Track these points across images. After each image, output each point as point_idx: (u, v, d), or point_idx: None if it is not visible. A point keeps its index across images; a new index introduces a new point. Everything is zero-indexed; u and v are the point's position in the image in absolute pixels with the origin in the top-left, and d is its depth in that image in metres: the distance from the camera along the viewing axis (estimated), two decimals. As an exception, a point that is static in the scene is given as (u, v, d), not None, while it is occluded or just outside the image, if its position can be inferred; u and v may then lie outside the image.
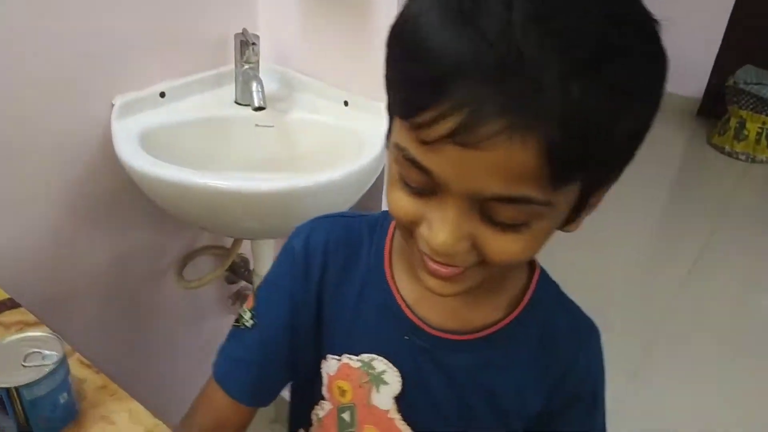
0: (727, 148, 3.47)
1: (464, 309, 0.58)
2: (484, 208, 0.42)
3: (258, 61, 1.14)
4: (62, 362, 0.67)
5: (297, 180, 0.98)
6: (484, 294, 0.57)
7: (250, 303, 0.65)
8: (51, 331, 0.69)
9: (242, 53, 1.12)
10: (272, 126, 1.17)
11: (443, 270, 0.46)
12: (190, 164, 0.96)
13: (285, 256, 0.63)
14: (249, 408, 0.65)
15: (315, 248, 0.61)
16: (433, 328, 0.58)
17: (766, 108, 3.29)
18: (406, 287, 0.59)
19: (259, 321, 0.63)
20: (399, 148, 0.44)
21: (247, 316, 0.64)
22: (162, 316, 1.33)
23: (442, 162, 0.40)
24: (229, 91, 1.19)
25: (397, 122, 0.44)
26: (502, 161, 0.38)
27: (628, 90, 0.38)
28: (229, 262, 1.31)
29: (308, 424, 0.69)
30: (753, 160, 3.43)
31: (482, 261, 0.45)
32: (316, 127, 1.17)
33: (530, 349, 0.59)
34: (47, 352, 0.66)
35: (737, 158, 3.45)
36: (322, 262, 0.61)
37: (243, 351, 0.64)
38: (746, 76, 3.40)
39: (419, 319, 0.58)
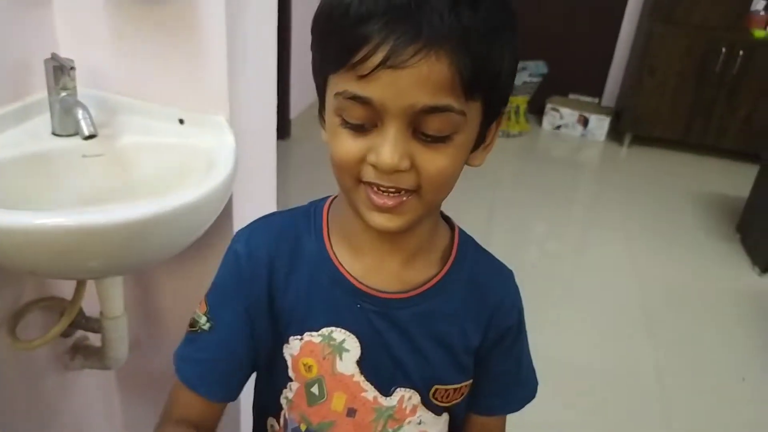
0: (487, 127, 3.97)
1: (403, 271, 0.66)
2: (417, 124, 0.52)
3: (75, 87, 1.04)
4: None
5: (153, 205, 0.92)
6: (417, 254, 0.66)
7: (203, 308, 0.68)
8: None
9: (56, 80, 1.02)
10: (102, 154, 1.08)
11: (389, 201, 0.55)
12: (12, 208, 0.86)
13: (229, 261, 0.68)
14: (220, 404, 0.69)
15: (257, 249, 0.67)
16: (381, 292, 0.65)
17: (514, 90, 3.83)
18: (349, 263, 0.65)
19: (215, 322, 0.67)
20: (339, 94, 0.53)
21: (203, 320, 0.68)
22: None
23: (379, 87, 0.50)
24: (42, 122, 1.07)
25: (332, 79, 0.54)
26: (425, 75, 0.49)
27: (499, 22, 0.52)
28: (75, 310, 1.18)
29: (277, 409, 0.72)
30: (508, 136, 3.98)
31: (419, 186, 0.55)
32: (153, 150, 1.11)
33: (464, 294, 0.68)
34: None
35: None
36: (267, 261, 0.66)
37: (204, 352, 0.68)
38: (490, 64, 3.93)
39: (366, 287, 0.64)
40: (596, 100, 4.22)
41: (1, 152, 1.00)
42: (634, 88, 3.80)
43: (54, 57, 1.02)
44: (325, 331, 0.66)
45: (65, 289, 1.24)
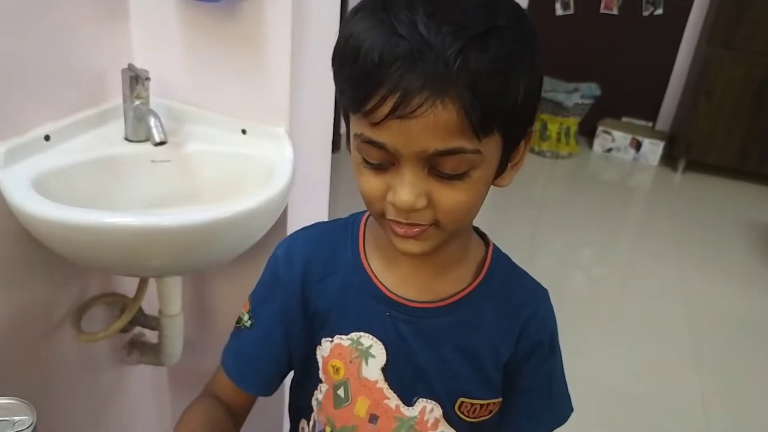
0: (536, 148, 3.96)
1: (434, 282, 0.68)
2: (432, 165, 0.54)
3: (148, 96, 1.11)
4: (35, 427, 0.62)
5: (215, 211, 0.98)
6: (449, 267, 0.68)
7: (246, 307, 0.75)
8: (17, 398, 0.63)
9: (131, 89, 1.09)
10: (169, 160, 1.15)
11: (410, 231, 0.58)
12: (85, 207, 0.92)
13: (270, 265, 0.74)
14: (250, 396, 0.76)
15: (295, 255, 0.72)
16: (411, 301, 0.67)
17: (561, 111, 3.82)
18: (381, 273, 0.68)
19: (256, 320, 0.73)
20: (357, 136, 0.56)
21: (246, 317, 0.74)
22: (56, 374, 1.22)
23: (390, 134, 0.52)
24: (116, 128, 1.14)
25: (352, 118, 0.57)
26: (433, 122, 0.50)
27: (512, 55, 0.52)
28: (136, 307, 1.24)
29: (309, 411, 0.75)
30: (557, 157, 3.95)
31: (437, 221, 0.57)
32: (216, 157, 1.17)
33: (495, 308, 0.69)
34: (17, 418, 0.62)
35: (544, 156, 3.95)
36: (302, 265, 0.71)
37: (244, 346, 0.74)
38: (542, 84, 3.91)
39: (397, 296, 0.67)
40: (650, 124, 4.15)
41: (77, 155, 1.07)
42: (689, 113, 3.73)
43: (130, 67, 1.09)
44: (354, 335, 0.68)
45: (127, 287, 1.31)
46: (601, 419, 1.95)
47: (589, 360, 2.17)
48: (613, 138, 4.01)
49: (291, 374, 0.79)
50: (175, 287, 1.19)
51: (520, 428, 0.74)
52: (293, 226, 1.27)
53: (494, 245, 0.72)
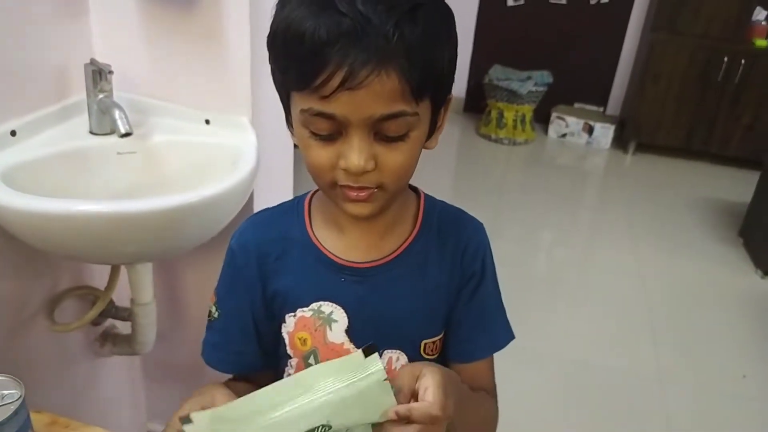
0: (493, 135, 4.06)
1: (380, 242, 0.74)
2: (377, 129, 0.59)
3: (112, 90, 1.14)
4: (23, 401, 0.66)
5: (183, 196, 1.01)
6: (391, 225, 0.74)
7: (213, 299, 0.78)
8: (6, 374, 0.67)
9: (95, 83, 1.12)
10: (135, 152, 1.18)
11: (361, 193, 0.63)
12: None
13: (228, 256, 0.77)
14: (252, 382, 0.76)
15: (248, 242, 0.76)
16: (360, 263, 0.73)
17: (516, 99, 3.92)
18: (332, 244, 0.74)
19: (222, 311, 0.77)
20: (305, 111, 0.59)
21: (213, 309, 0.78)
22: (31, 367, 1.23)
23: (340, 105, 0.57)
24: (80, 122, 1.17)
25: (295, 96, 0.61)
26: (379, 90, 0.56)
27: (437, 27, 0.59)
28: (110, 295, 1.26)
29: None
30: (514, 144, 4.06)
31: (382, 183, 0.62)
32: (182, 147, 1.20)
33: (436, 249, 0.75)
34: (6, 392, 0.65)
35: (502, 143, 4.06)
36: (256, 250, 0.75)
37: (217, 336, 0.78)
38: (497, 74, 4.02)
39: (347, 261, 0.73)
40: (601, 109, 4.30)
41: (43, 149, 1.10)
42: (637, 96, 3.87)
43: (93, 62, 1.12)
44: (314, 305, 0.73)
45: (98, 279, 1.33)
46: (566, 389, 2.04)
47: (554, 335, 2.27)
48: (567, 123, 4.14)
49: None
50: (146, 275, 1.22)
51: (459, 352, 0.78)
52: (260, 207, 1.31)
53: (425, 194, 0.79)
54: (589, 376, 2.12)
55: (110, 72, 1.11)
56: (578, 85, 4.22)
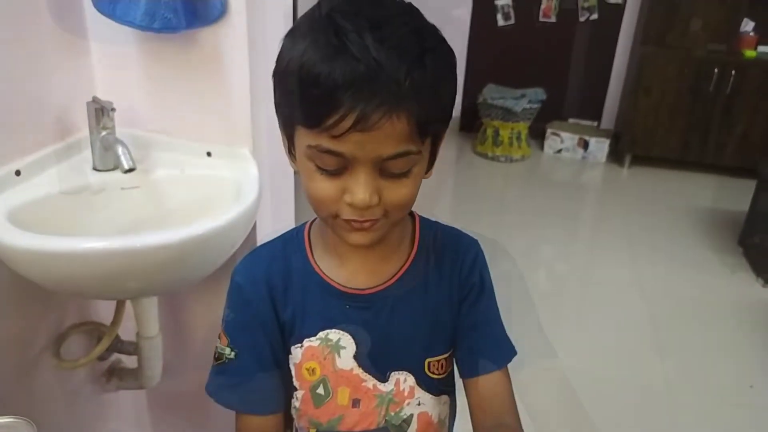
0: (490, 153, 4.09)
1: (380, 267, 0.75)
2: (383, 167, 0.61)
3: (114, 126, 1.15)
4: (37, 443, 0.66)
5: (187, 230, 1.02)
6: (388, 250, 0.75)
7: (224, 341, 0.76)
8: (18, 416, 0.67)
9: (97, 120, 1.13)
10: (138, 187, 1.19)
11: (365, 224, 0.64)
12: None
13: (235, 293, 0.77)
14: (273, 416, 0.77)
15: (256, 275, 0.76)
16: (363, 290, 0.74)
17: (511, 116, 3.96)
18: (334, 272, 0.75)
19: (240, 350, 0.75)
20: (312, 147, 0.61)
21: (227, 351, 0.76)
22: (38, 405, 1.23)
23: (349, 145, 0.59)
24: (84, 159, 1.18)
25: (301, 130, 0.62)
26: (390, 132, 0.58)
27: (442, 71, 0.61)
28: (116, 330, 1.27)
29: (290, 421, 0.80)
30: (511, 161, 4.08)
31: (386, 212, 0.64)
32: (184, 181, 1.22)
33: (434, 269, 0.77)
34: (20, 435, 0.65)
35: (498, 161, 4.08)
36: (266, 283, 0.75)
37: (236, 377, 0.76)
38: (491, 92, 4.06)
39: (350, 288, 0.74)
40: (595, 124, 4.33)
41: (47, 187, 1.11)
42: (630, 110, 3.91)
43: (95, 100, 1.13)
44: (321, 334, 0.74)
45: (103, 315, 1.33)
46: (573, 403, 2.03)
47: (559, 349, 2.26)
48: (562, 139, 4.17)
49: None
50: (151, 309, 1.23)
51: (468, 366, 0.78)
52: (264, 239, 1.32)
53: (419, 216, 0.80)
54: (596, 389, 2.11)
55: (112, 109, 1.13)
56: (572, 100, 4.26)
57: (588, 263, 3.10)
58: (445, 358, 0.79)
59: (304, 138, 0.62)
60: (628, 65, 4.14)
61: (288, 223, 1.50)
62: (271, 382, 0.77)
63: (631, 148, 3.99)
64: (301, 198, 1.62)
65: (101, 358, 1.38)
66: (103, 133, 1.14)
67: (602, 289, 2.78)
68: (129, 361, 1.41)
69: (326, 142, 0.59)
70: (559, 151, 4.20)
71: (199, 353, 1.48)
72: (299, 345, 0.75)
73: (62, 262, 0.96)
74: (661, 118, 3.86)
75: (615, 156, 4.13)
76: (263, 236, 1.32)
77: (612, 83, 4.25)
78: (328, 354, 0.74)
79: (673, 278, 2.86)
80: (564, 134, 4.16)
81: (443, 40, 0.63)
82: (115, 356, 1.41)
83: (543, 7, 4.16)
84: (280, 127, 0.68)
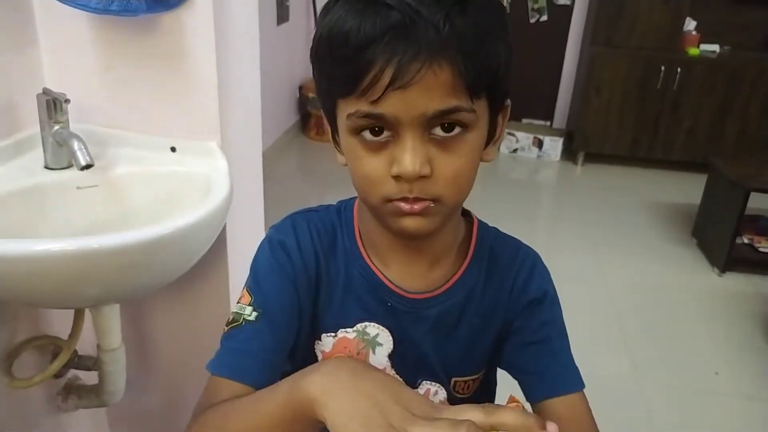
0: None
1: (430, 273, 0.69)
2: (432, 131, 0.55)
3: (68, 120, 1.06)
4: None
5: (155, 228, 0.93)
6: (441, 255, 0.69)
7: (246, 299, 0.66)
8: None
9: (49, 114, 1.03)
10: (96, 185, 1.09)
11: (416, 206, 0.57)
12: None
13: (275, 251, 0.68)
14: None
15: (304, 242, 0.68)
16: (409, 293, 0.68)
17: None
18: (379, 263, 0.68)
19: (264, 309, 0.65)
20: (351, 115, 0.55)
21: (247, 311, 0.65)
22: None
23: (390, 105, 0.52)
24: (34, 157, 1.08)
25: (341, 104, 0.57)
26: (431, 86, 0.52)
27: (488, 21, 0.55)
28: (74, 344, 1.16)
29: None
30: (468, 161, 4.09)
31: (438, 196, 0.57)
32: (146, 178, 1.13)
33: (485, 281, 0.71)
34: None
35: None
36: (313, 251, 0.68)
37: (253, 342, 0.64)
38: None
39: (397, 287, 0.67)
40: (548, 123, 4.39)
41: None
42: (582, 109, 3.98)
43: (46, 92, 1.04)
44: (359, 326, 0.68)
45: (58, 328, 1.23)
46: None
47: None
48: (517, 139, 4.21)
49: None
50: (113, 318, 1.13)
51: (529, 386, 0.71)
52: (233, 243, 1.24)
53: (478, 220, 0.74)
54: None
55: (66, 101, 1.03)
56: (525, 101, 4.31)
57: (548, 258, 3.04)
58: (472, 380, 0.73)
59: (343, 109, 0.56)
60: (578, 65, 4.22)
61: (257, 224, 1.43)
62: (280, 357, 0.67)
63: (584, 146, 4.06)
64: (270, 199, 1.55)
65: (58, 375, 1.26)
66: (56, 127, 1.04)
67: (563, 283, 2.75)
68: (88, 377, 1.30)
69: (365, 106, 0.53)
70: (515, 150, 4.24)
71: (166, 366, 1.38)
72: (332, 334, 0.69)
73: (13, 267, 0.86)
74: (611, 116, 3.94)
75: (569, 154, 4.19)
76: (233, 238, 1.24)
77: (563, 83, 4.32)
78: (362, 348, 0.69)
79: (632, 271, 2.90)
80: (519, 134, 4.20)
81: None
82: (72, 373, 1.30)
83: (494, 8, 4.20)
84: (324, 114, 0.62)
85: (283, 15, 3.76)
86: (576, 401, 0.69)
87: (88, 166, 1.01)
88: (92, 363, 1.23)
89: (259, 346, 0.65)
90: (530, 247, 0.76)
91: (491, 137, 0.62)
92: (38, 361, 1.20)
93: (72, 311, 1.17)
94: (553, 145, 4.16)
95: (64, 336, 1.19)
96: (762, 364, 2.25)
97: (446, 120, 0.54)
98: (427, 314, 0.68)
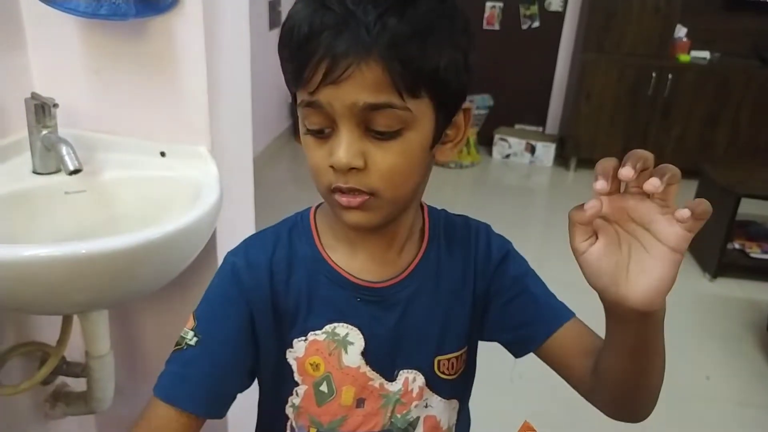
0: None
1: (391, 259, 0.70)
2: (367, 122, 0.56)
3: (56, 125, 1.05)
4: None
5: (144, 233, 0.93)
6: (400, 241, 0.70)
7: (190, 323, 0.67)
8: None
9: (37, 118, 1.03)
10: (84, 190, 1.08)
11: (352, 200, 0.59)
12: None
13: (226, 275, 0.69)
14: (198, 421, 0.66)
15: (256, 258, 0.69)
16: (375, 282, 0.69)
17: (459, 122, 3.97)
18: (344, 262, 0.69)
19: (204, 336, 0.66)
20: (299, 105, 0.59)
21: (189, 335, 0.67)
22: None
23: (325, 95, 0.56)
24: (22, 162, 1.07)
25: (297, 95, 0.59)
26: (360, 82, 0.54)
27: (430, 23, 0.55)
28: (62, 350, 1.15)
29: (284, 420, 0.72)
30: (461, 167, 4.09)
31: (375, 190, 0.58)
32: (135, 183, 1.12)
33: (445, 259, 0.73)
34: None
35: (448, 167, 4.09)
36: (266, 267, 0.68)
37: (191, 367, 0.66)
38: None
39: (362, 280, 0.68)
40: (540, 129, 4.41)
41: (-16, 194, 0.99)
42: (573, 115, 3.99)
43: (34, 96, 1.03)
44: (328, 327, 0.68)
45: (45, 334, 1.21)
46: (539, 404, 2.01)
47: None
48: (510, 144, 4.22)
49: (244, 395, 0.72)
50: (101, 324, 1.12)
51: (526, 336, 0.75)
52: (223, 249, 1.23)
53: (428, 206, 0.76)
54: (560, 389, 2.10)
55: (55, 105, 1.03)
56: (517, 106, 4.33)
57: (540, 264, 3.09)
58: (456, 357, 0.73)
59: (297, 100, 0.59)
60: (569, 71, 4.24)
61: (247, 228, 1.42)
62: (226, 385, 0.67)
63: (576, 151, 4.08)
64: (261, 205, 1.54)
65: (45, 381, 1.25)
66: (44, 132, 1.03)
67: (556, 288, 2.78)
68: (76, 384, 1.29)
69: (307, 97, 0.57)
70: (508, 156, 4.25)
71: (155, 373, 1.36)
72: (303, 338, 0.69)
73: (3, 272, 0.85)
74: (602, 122, 3.96)
75: (561, 159, 4.20)
76: (223, 242, 1.23)
77: (555, 89, 4.34)
78: (334, 349, 0.68)
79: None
80: (511, 139, 4.21)
81: (445, 1, 0.57)
82: (60, 379, 1.29)
83: (486, 15, 4.22)
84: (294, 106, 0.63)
85: (275, 20, 3.76)
86: (573, 326, 0.75)
87: (76, 171, 1.00)
88: (80, 370, 1.22)
89: (198, 372, 0.65)
90: (478, 220, 0.78)
91: (440, 137, 0.62)
92: (26, 367, 1.19)
93: (60, 317, 1.16)
94: (546, 151, 4.18)
95: (52, 342, 1.18)
96: (753, 370, 2.26)
97: (379, 114, 0.56)
98: (398, 299, 0.69)
